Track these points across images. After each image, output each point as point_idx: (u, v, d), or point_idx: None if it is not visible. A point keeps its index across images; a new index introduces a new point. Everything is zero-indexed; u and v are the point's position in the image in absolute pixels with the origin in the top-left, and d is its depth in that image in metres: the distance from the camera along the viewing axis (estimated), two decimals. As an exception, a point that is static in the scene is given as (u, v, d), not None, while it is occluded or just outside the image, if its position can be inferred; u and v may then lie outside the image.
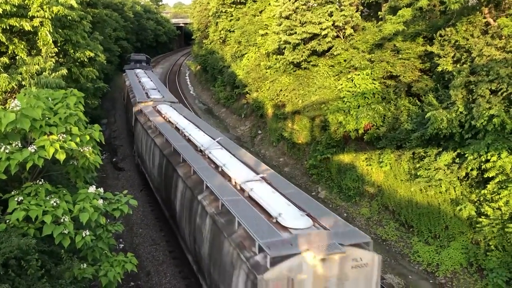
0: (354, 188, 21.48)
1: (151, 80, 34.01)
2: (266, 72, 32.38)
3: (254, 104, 33.42)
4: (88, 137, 8.54)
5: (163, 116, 21.99)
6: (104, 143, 9.63)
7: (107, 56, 34.14)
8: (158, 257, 17.33)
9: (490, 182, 14.98)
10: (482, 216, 15.14)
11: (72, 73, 18.60)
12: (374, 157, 20.80)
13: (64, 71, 15.37)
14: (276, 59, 30.37)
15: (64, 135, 7.95)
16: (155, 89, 29.76)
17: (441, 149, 17.22)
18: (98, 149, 9.15)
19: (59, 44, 17.37)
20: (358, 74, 21.45)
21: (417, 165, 18.19)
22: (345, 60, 23.84)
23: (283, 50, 28.58)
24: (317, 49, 25.82)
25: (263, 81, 32.56)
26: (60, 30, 17.25)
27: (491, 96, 14.92)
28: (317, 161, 23.87)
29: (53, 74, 14.50)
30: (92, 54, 19.83)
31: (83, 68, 19.56)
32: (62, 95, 8.80)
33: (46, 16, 15.07)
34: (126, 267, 8.41)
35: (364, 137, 20.93)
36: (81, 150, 8.30)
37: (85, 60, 19.43)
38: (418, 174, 17.69)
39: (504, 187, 14.33)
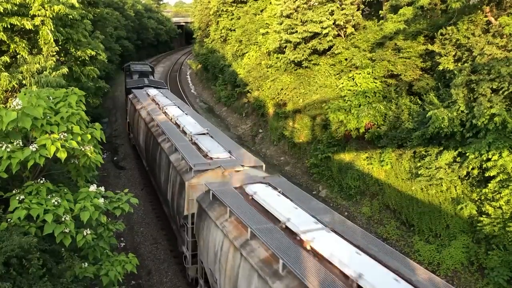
0: (355, 187, 21.47)
1: (187, 114, 21.25)
2: (267, 71, 32.39)
3: (255, 103, 33.42)
4: (89, 136, 8.54)
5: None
6: (105, 142, 9.64)
7: (108, 55, 34.21)
8: (159, 255, 17.35)
9: (491, 181, 14.96)
10: (483, 215, 15.12)
11: (73, 72, 18.61)
12: (375, 156, 20.79)
13: (65, 70, 15.39)
14: (277, 58, 30.38)
15: (66, 134, 7.96)
16: (204, 134, 17.94)
17: (442, 148, 17.20)
18: (99, 148, 9.16)
19: (60, 43, 17.37)
20: (359, 73, 21.44)
21: (418, 164, 18.18)
22: (346, 59, 23.85)
23: (284, 49, 28.59)
24: (318, 48, 25.82)
25: (264, 80, 32.57)
26: (61, 29, 17.26)
27: (492, 95, 14.90)
28: (318, 160, 23.87)
29: (54, 73, 14.51)
30: (93, 53, 19.84)
31: (84, 67, 19.56)
32: (63, 94, 8.80)
33: (47, 15, 15.07)
34: (126, 267, 8.41)
35: (365, 136, 20.92)
36: (82, 149, 8.31)
37: (86, 58, 19.44)
38: (419, 173, 17.68)
39: (505, 186, 14.31)
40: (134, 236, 18.83)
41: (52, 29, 15.52)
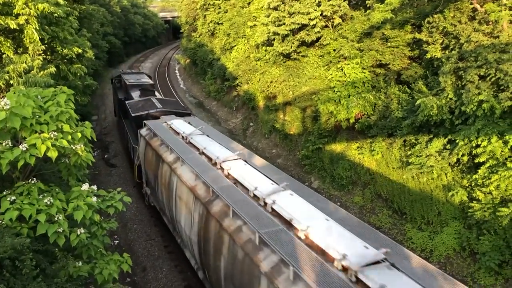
0: (346, 177, 21.59)
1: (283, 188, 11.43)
2: (256, 64, 32.33)
3: (245, 97, 33.37)
4: (79, 135, 8.49)
5: None
6: (95, 140, 9.59)
7: (95, 52, 33.89)
8: (154, 252, 17.35)
9: (481, 167, 15.12)
10: (473, 201, 15.30)
11: (60, 71, 18.43)
12: (366, 145, 20.90)
13: (52, 69, 15.23)
14: (265, 50, 30.32)
15: (56, 133, 7.90)
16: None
17: (432, 136, 17.34)
18: (90, 147, 9.12)
19: (46, 42, 17.18)
20: (348, 64, 21.48)
21: (409, 153, 18.32)
22: (334, 50, 23.86)
23: (272, 42, 28.53)
24: (306, 40, 25.80)
25: (253, 73, 32.51)
26: (46, 27, 17.06)
27: (480, 81, 15.02)
28: (309, 151, 23.94)
29: (41, 72, 14.36)
30: (80, 51, 19.65)
31: (71, 65, 19.38)
32: (52, 93, 8.73)
33: (32, 14, 14.89)
34: (122, 267, 8.42)
35: (355, 126, 21.01)
36: (73, 148, 8.26)
37: (73, 56, 19.25)
38: (410, 161, 17.82)
39: (495, 171, 14.47)
40: (128, 233, 18.80)
41: (37, 28, 15.35)
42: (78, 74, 19.95)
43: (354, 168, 21.31)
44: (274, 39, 28.06)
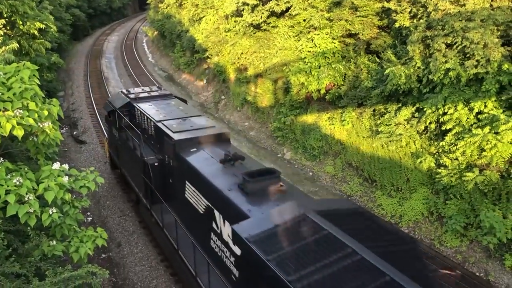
0: (318, 148, 21.87)
1: None
2: (226, 35, 31.85)
3: (216, 69, 33.00)
4: (46, 112, 8.26)
5: None
6: (63, 117, 9.36)
7: (58, 26, 32.71)
8: (128, 227, 17.33)
9: (448, 134, 15.54)
10: (441, 167, 15.78)
11: (22, 47, 17.74)
12: (337, 116, 21.13)
13: (14, 45, 14.62)
14: (235, 21, 29.84)
15: (21, 111, 7.67)
16: None
17: (400, 105, 17.65)
18: (58, 124, 8.90)
19: (5, 16, 16.45)
20: (318, 34, 21.41)
21: (378, 122, 18.63)
22: (304, 20, 23.69)
23: (242, 12, 28.09)
24: (276, 10, 25.48)
25: (223, 45, 32.07)
26: (4, 1, 16.30)
27: (447, 50, 15.26)
28: (281, 123, 24.05)
29: (3, 47, 13.79)
30: (42, 26, 18.91)
31: (33, 40, 18.66)
32: (15, 68, 8.42)
33: (-12, -15, 14.20)
34: (97, 242, 8.37)
35: (326, 97, 21.15)
36: (40, 126, 8.05)
37: (35, 32, 18.52)
38: (379, 130, 18.15)
39: (461, 138, 14.90)
40: (101, 210, 18.67)
41: (-5, 1, 14.68)
42: (43, 49, 19.25)
43: (326, 139, 21.58)
44: (243, 10, 27.62)
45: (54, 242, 7.93)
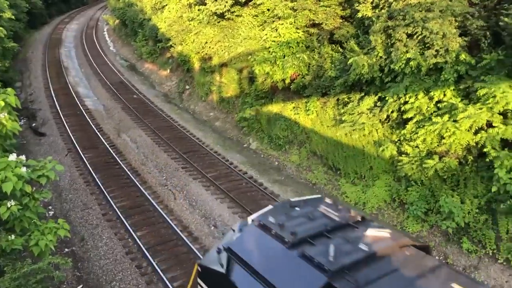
0: (283, 137, 22.01)
1: None
2: (190, 24, 31.39)
3: (180, 58, 32.53)
4: (2, 103, 7.94)
5: None
6: (20, 108, 9.02)
7: (14, 13, 31.40)
8: (92, 221, 16.94)
9: (409, 123, 15.93)
10: (402, 155, 16.18)
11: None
12: (301, 105, 21.29)
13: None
14: (198, 10, 29.44)
15: (-26, 102, 7.35)
16: None
17: (363, 94, 17.94)
18: (15, 115, 8.57)
19: (-45, 1, 15.65)
20: (282, 24, 21.42)
21: (342, 111, 18.88)
22: (268, 10, 23.64)
23: (205, 1, 27.76)
24: (240, -1, 25.35)
25: (187, 34, 31.60)
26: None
27: (407, 40, 15.57)
28: (246, 113, 24.02)
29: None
30: (-4, 11, 18.10)
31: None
32: (-34, 57, 8.04)
33: None
34: (59, 233, 8.14)
35: (291, 86, 21.25)
36: (-4, 117, 7.74)
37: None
38: (343, 119, 18.41)
39: (421, 126, 15.30)
40: (63, 203, 18.17)
41: None
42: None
43: (291, 128, 21.73)
44: (207, -2, 27.31)
45: (13, 236, 7.68)
